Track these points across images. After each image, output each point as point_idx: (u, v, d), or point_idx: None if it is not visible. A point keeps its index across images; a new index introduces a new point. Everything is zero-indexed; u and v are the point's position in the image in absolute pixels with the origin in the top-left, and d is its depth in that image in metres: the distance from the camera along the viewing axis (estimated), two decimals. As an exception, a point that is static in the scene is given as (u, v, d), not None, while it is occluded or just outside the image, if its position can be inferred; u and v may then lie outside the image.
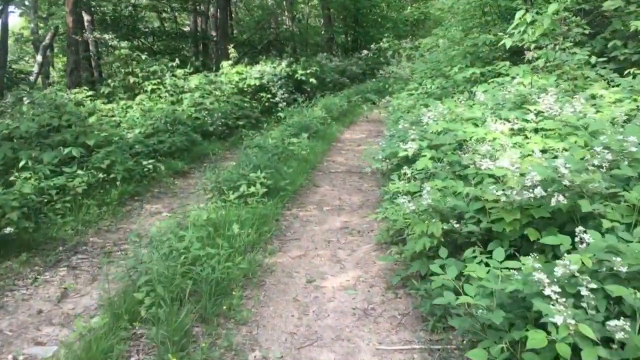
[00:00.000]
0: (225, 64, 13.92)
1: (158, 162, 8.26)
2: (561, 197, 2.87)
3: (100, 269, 5.03)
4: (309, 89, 15.58)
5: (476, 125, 5.06)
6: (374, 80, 14.42)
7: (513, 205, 3.13)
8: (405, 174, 5.45)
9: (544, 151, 3.80)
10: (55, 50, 24.37)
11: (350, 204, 7.15)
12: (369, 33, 27.85)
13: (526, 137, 4.30)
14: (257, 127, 12.81)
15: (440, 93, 8.88)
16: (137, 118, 9.95)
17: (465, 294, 2.80)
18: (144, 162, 7.90)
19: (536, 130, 4.42)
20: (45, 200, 6.02)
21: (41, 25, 22.93)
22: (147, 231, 6.11)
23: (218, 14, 19.09)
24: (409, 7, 34.08)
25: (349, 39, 30.68)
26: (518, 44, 5.59)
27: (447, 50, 10.71)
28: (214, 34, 20.09)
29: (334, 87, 17.85)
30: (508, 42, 5.60)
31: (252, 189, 6.19)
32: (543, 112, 4.58)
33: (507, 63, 7.01)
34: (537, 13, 5.00)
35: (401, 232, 5.13)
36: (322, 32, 28.19)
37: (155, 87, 12.09)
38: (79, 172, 6.62)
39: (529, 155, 3.96)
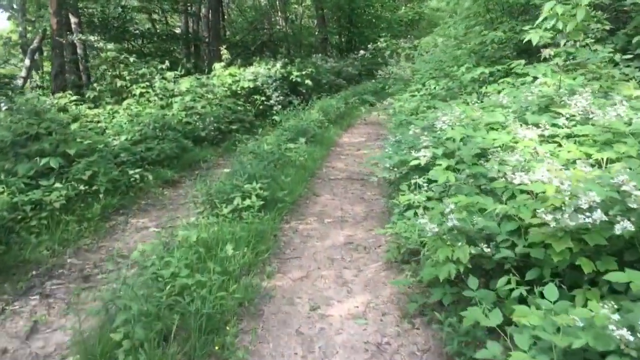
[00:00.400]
0: (217, 65, 13.36)
1: (146, 171, 7.71)
2: (628, 223, 2.35)
3: (78, 297, 4.49)
4: (304, 91, 15.05)
5: (496, 130, 4.53)
6: (373, 81, 13.91)
7: (564, 231, 2.60)
8: (418, 185, 4.92)
9: (592, 164, 3.27)
10: (45, 53, 23.72)
11: (353, 215, 6.62)
12: (364, 33, 27.36)
13: (559, 145, 3.78)
14: (251, 132, 12.26)
15: (445, 94, 8.36)
16: (124, 124, 9.38)
17: (515, 345, 2.26)
18: (130, 172, 7.34)
19: (569, 137, 3.90)
20: (19, 217, 5.45)
21: (29, 28, 22.29)
22: (132, 250, 5.57)
23: (210, 15, 18.55)
24: (403, 7, 33.72)
25: (343, 39, 30.19)
26: (546, 39, 5.08)
27: (449, 50, 10.21)
28: (206, 35, 19.56)
29: (330, 88, 17.32)
30: (534, 38, 5.08)
31: (248, 202, 5.64)
32: (574, 116, 4.06)
33: (522, 62, 6.49)
34: (564, 4, 4.49)
35: (414, 250, 4.61)
36: (316, 33, 27.68)
37: (144, 90, 11.51)
38: (57, 184, 6.05)
39: (567, 165, 3.44)
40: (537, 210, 2.92)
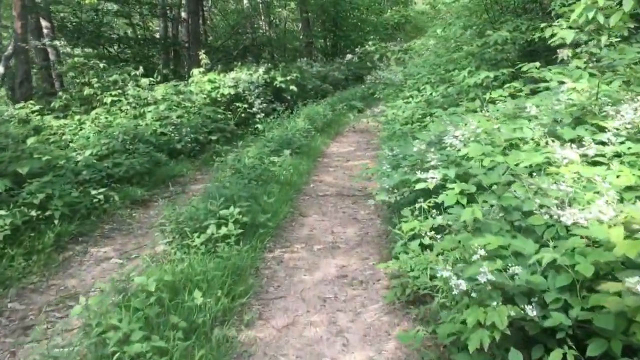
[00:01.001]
0: (195, 71, 12.53)
1: (112, 190, 6.88)
2: None
3: (14, 355, 3.65)
4: (289, 98, 14.26)
5: (520, 146, 3.78)
6: (362, 86, 13.17)
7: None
8: (424, 210, 4.16)
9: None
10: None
11: (345, 239, 5.83)
12: (350, 37, 26.69)
13: (608, 167, 3.03)
14: (232, 142, 11.43)
15: (443, 101, 7.62)
16: (91, 136, 8.51)
17: None
18: (93, 192, 6.50)
19: (616, 156, 3.16)
20: (-50, 253, 4.60)
21: (5, 34, 21.24)
22: (89, 287, 4.74)
23: (189, 18, 17.71)
24: (389, 11, 33.18)
25: (328, 43, 29.47)
26: (581, 36, 4.35)
27: (444, 52, 9.50)
28: (186, 40, 18.70)
29: (315, 94, 16.54)
30: (568, 35, 4.35)
31: (224, 231, 4.83)
32: (619, 130, 3.32)
33: (536, 64, 5.76)
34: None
35: (424, 294, 3.83)
36: (301, 37, 26.94)
37: (115, 99, 10.64)
38: (1, 212, 5.18)
39: (621, 194, 2.69)
40: (601, 262, 2.16)
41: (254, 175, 7.08)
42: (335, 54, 27.47)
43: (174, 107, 10.50)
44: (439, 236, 3.97)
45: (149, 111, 9.68)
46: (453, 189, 3.76)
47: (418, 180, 4.14)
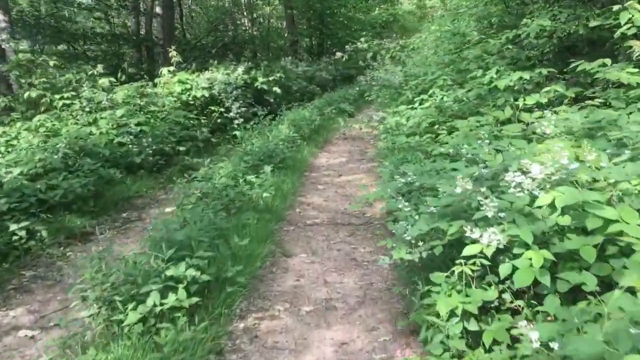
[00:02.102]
0: (164, 70, 10.97)
1: (41, 222, 5.35)
2: None
3: None
4: (272, 100, 12.76)
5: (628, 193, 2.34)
6: (356, 89, 11.69)
7: None
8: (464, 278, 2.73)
9: None
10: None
11: (343, 294, 4.37)
12: (337, 34, 25.28)
13: None
14: (206, 153, 9.92)
15: (459, 108, 6.20)
16: (28, 149, 6.96)
17: None
18: (14, 226, 4.97)
19: None
20: None
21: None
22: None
23: (163, 13, 16.14)
24: (377, 9, 32.01)
25: (314, 42, 28.02)
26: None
27: (450, 50, 8.09)
28: (160, 36, 17.11)
29: (301, 96, 15.06)
30: None
31: (172, 299, 3.34)
32: None
33: (605, 61, 4.34)
34: None
35: None
36: (286, 35, 25.45)
37: (68, 102, 9.06)
38: None
39: None
40: None
41: (225, 201, 5.60)
42: (322, 53, 26.03)
43: (136, 112, 8.95)
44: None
45: (103, 117, 8.12)
46: (529, 259, 2.31)
47: (465, 242, 2.68)
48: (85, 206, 6.13)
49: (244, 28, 23.37)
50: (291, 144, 9.28)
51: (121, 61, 19.21)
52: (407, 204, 3.76)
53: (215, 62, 12.51)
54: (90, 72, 9.94)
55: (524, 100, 5.26)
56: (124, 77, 11.32)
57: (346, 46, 11.14)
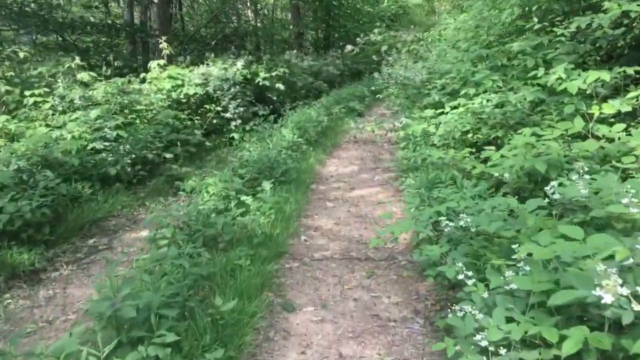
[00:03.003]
0: (154, 64, 9.73)
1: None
2: None
3: None
4: (274, 98, 11.51)
5: None
6: (371, 87, 10.41)
7: None
8: None
9: None
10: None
11: (367, 379, 3.16)
12: (345, 27, 23.98)
13: None
14: (198, 159, 8.71)
15: (507, 116, 4.95)
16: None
17: None
18: None
19: None
20: None
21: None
22: None
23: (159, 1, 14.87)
24: (386, 1, 30.74)
25: (320, 35, 26.71)
26: None
27: (485, 42, 6.83)
28: (156, 27, 15.86)
29: (307, 94, 13.81)
30: None
31: None
32: None
33: None
34: None
35: None
36: (291, 27, 24.15)
37: (40, 99, 7.85)
38: None
39: None
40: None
41: (210, 233, 4.39)
42: (329, 47, 24.73)
43: (118, 113, 7.72)
44: None
45: (74, 119, 6.89)
46: None
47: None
48: (39, 234, 4.92)
49: (246, 19, 22.06)
50: (295, 151, 8.06)
51: (115, 53, 18.05)
52: (469, 273, 2.52)
53: (212, 55, 11.26)
54: (67, 65, 8.70)
55: (600, 108, 4.01)
56: (109, 71, 10.11)
57: (357, 39, 9.85)
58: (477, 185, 4.52)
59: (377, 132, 10.56)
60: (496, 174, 3.84)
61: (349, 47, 10.19)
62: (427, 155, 5.27)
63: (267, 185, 5.64)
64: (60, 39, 15.83)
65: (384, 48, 9.67)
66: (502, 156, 4.26)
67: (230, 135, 9.75)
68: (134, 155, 6.97)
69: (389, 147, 10.24)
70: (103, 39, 17.41)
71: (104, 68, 9.81)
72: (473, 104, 5.26)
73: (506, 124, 5.04)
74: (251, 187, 6.15)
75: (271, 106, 10.93)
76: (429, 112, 6.21)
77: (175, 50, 16.82)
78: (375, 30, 9.61)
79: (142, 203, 6.64)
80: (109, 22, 16.59)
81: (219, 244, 4.45)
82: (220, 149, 9.45)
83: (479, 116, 5.27)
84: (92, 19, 16.82)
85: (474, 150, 5.04)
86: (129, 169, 6.64)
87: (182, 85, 9.35)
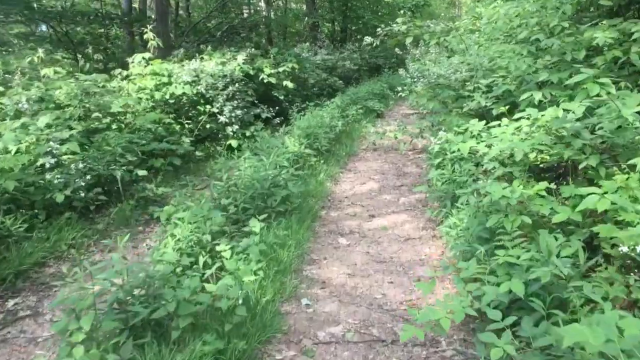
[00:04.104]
0: (138, 57, 8.22)
1: None
2: None
3: None
4: (281, 98, 9.96)
5: None
6: (398, 90, 8.87)
7: None
8: None
9: None
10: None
11: None
12: (363, 17, 22.33)
13: None
14: (185, 172, 7.23)
15: (609, 136, 3.35)
16: None
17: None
18: None
19: None
20: None
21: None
22: None
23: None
24: (406, -9, 29.09)
25: (337, 27, 25.04)
26: None
27: (554, 31, 5.22)
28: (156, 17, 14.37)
29: (320, 92, 12.23)
30: None
31: None
32: None
33: None
34: None
35: None
36: (306, 19, 22.53)
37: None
38: None
39: None
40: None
41: (156, 318, 2.87)
42: (345, 40, 23.06)
43: (81, 118, 6.24)
44: None
45: (16, 129, 5.39)
46: None
47: None
48: None
49: (257, 9, 20.46)
50: (301, 167, 6.52)
51: (113, 45, 16.62)
52: None
53: (208, 47, 9.72)
54: (29, 58, 7.24)
55: None
56: (88, 66, 8.65)
57: (378, 29, 8.29)
58: (568, 244, 2.95)
59: (400, 138, 8.98)
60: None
61: (367, 40, 8.55)
62: (483, 189, 3.68)
63: (256, 225, 4.09)
64: (51, 29, 14.41)
65: (409, 40, 8.05)
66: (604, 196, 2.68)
67: (227, 143, 8.23)
68: (95, 173, 5.48)
69: (414, 156, 8.65)
70: (100, 30, 15.99)
71: (82, 62, 8.35)
72: (542, 114, 3.65)
73: (600, 147, 3.44)
74: (238, 222, 4.62)
75: (277, 107, 9.38)
76: (477, 124, 4.61)
77: (176, 42, 15.37)
78: (399, 20, 7.99)
79: (102, 237, 5.14)
80: (103, 11, 15.12)
81: (171, 331, 2.92)
82: (214, 159, 7.94)
83: (557, 133, 3.67)
84: (85, 8, 15.37)
85: (553, 185, 3.44)
86: (82, 194, 5.12)
87: (169, 84, 7.83)
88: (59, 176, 5.00)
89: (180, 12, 20.19)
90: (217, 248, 3.73)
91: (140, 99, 7.66)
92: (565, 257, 2.85)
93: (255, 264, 3.69)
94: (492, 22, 7.81)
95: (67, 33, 14.81)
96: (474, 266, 3.06)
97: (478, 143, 4.36)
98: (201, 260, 3.53)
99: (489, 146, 4.25)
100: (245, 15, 19.51)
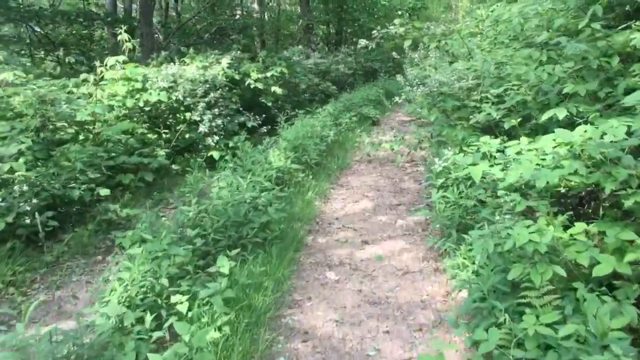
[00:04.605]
0: (111, 61, 7.48)
1: None
2: None
3: None
4: (270, 105, 9.26)
5: None
6: (395, 98, 8.20)
7: None
8: None
9: None
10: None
11: None
12: (359, 20, 21.67)
13: None
14: (159, 189, 6.52)
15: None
16: None
17: None
18: None
19: None
20: None
21: None
22: None
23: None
24: (403, -7, 28.56)
25: (332, 29, 24.37)
26: None
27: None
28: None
29: (311, 98, 11.54)
30: None
31: None
32: None
33: None
34: None
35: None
36: (300, 22, 21.83)
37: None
38: None
39: None
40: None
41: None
42: (340, 43, 22.37)
43: (38, 129, 5.52)
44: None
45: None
46: None
47: None
48: None
49: (249, 10, 19.74)
50: (286, 186, 5.82)
51: (98, 47, 15.88)
52: None
53: (191, 50, 9.01)
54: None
55: None
56: (58, 70, 7.92)
57: (373, 31, 7.64)
58: (619, 310, 2.26)
59: (397, 149, 8.29)
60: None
61: (362, 42, 7.85)
62: (499, 225, 2.98)
63: (224, 265, 3.38)
64: (31, 30, 13.69)
65: (407, 43, 7.38)
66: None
67: (209, 154, 7.52)
68: (47, 194, 4.76)
69: (412, 169, 7.97)
70: (84, 32, 15.27)
71: (53, 65, 7.62)
72: (575, 135, 2.96)
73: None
74: (207, 256, 3.91)
75: (265, 115, 8.67)
76: (490, 141, 3.91)
77: (163, 44, 14.66)
78: (397, 21, 7.31)
79: (52, 270, 4.43)
80: (85, 11, 14.39)
81: None
82: (194, 172, 7.23)
83: (592, 159, 2.98)
84: (68, 8, 14.65)
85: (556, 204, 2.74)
86: (27, 220, 4.40)
87: (143, 90, 7.11)
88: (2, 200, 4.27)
89: (173, 13, 19.51)
90: (173, 299, 3.02)
91: (112, 106, 6.94)
92: (618, 329, 2.16)
93: (220, 317, 2.98)
94: (501, 22, 7.16)
95: (47, 34, 14.10)
96: (496, 335, 2.36)
97: (492, 166, 3.66)
98: (148, 319, 2.81)
99: (505, 168, 3.56)
100: (238, 16, 18.81)
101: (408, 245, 5.08)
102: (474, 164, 3.69)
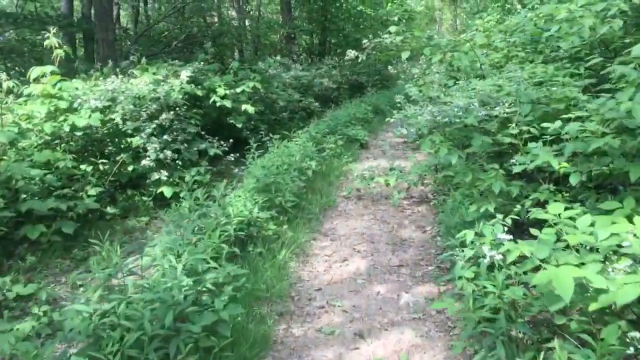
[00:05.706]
0: (36, 72, 5.87)
1: None
2: None
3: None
4: (240, 127, 7.73)
5: None
6: (392, 123, 6.72)
7: None
8: None
9: None
10: None
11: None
12: (344, 30, 20.31)
13: None
14: (84, 242, 4.94)
15: None
16: None
17: None
18: None
19: None
20: None
21: None
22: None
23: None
24: (389, 4, 27.41)
25: (315, 40, 22.93)
26: None
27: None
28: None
29: (291, 117, 10.00)
30: None
31: None
32: None
33: None
34: None
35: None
36: (282, 30, 20.35)
37: None
38: None
39: None
40: None
41: None
42: (323, 54, 20.92)
43: None
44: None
45: None
46: None
47: None
48: None
49: (225, 17, 18.19)
50: (253, 240, 4.28)
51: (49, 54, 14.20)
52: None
53: (144, 61, 7.43)
54: None
55: None
56: None
57: (364, 41, 6.23)
58: None
59: (392, 181, 6.82)
60: None
61: (351, 53, 6.41)
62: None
63: None
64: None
65: (405, 55, 5.93)
66: None
67: (158, 191, 5.96)
68: None
69: (412, 209, 6.49)
70: (38, 37, 13.61)
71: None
72: None
73: None
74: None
75: (232, 140, 7.12)
76: (556, 208, 2.44)
77: (123, 52, 13.06)
78: (392, 29, 5.88)
79: None
80: (37, 14, 12.72)
81: None
82: (137, 216, 5.66)
83: None
84: (13, 10, 13.00)
85: None
86: None
87: (70, 110, 5.51)
88: None
89: (144, 19, 17.89)
90: None
91: (30, 130, 5.36)
92: None
93: None
94: (516, 33, 5.83)
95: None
96: None
97: (581, 264, 2.17)
98: None
99: (604, 268, 2.08)
100: (206, 23, 17.21)
101: (420, 341, 3.57)
102: (547, 260, 2.17)
